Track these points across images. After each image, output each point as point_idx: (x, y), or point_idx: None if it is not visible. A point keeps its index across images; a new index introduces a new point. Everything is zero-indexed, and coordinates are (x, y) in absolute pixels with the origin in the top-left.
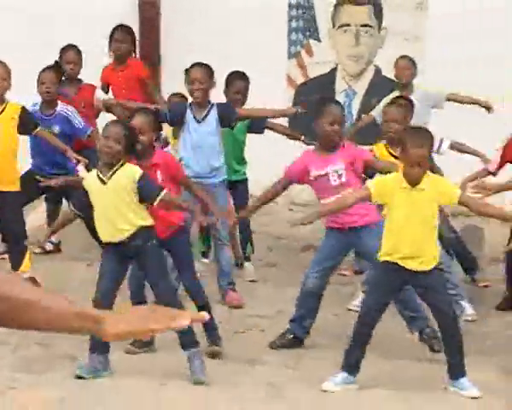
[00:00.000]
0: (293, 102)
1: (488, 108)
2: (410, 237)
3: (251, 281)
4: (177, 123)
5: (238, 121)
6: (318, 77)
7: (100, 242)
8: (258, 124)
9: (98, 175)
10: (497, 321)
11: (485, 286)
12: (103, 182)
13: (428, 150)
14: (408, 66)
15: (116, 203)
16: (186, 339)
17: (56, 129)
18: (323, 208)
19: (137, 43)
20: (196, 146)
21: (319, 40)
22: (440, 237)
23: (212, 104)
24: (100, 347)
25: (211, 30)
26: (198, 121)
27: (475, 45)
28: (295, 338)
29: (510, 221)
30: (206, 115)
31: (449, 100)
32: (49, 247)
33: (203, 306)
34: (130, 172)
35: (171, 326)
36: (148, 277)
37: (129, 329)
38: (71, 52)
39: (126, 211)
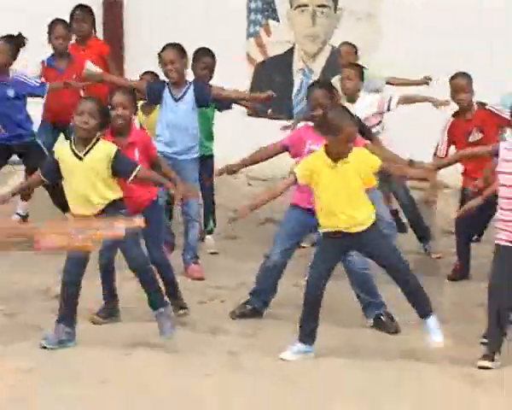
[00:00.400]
0: (252, 79)
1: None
2: (341, 211)
3: (212, 253)
4: (156, 101)
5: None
6: (277, 56)
7: (63, 210)
8: (226, 101)
9: (73, 150)
10: (450, 291)
11: (438, 258)
12: (79, 157)
13: (355, 126)
14: (350, 51)
15: (91, 179)
16: (155, 299)
17: (11, 93)
18: (256, 201)
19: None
20: (173, 124)
21: (277, 20)
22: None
23: (190, 83)
24: (67, 318)
25: (172, 11)
26: (175, 100)
27: (430, 27)
28: (254, 310)
29: (429, 180)
30: (183, 94)
31: (388, 83)
32: (16, 219)
33: (170, 279)
34: (106, 148)
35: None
36: (121, 244)
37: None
38: (60, 27)
39: (100, 186)
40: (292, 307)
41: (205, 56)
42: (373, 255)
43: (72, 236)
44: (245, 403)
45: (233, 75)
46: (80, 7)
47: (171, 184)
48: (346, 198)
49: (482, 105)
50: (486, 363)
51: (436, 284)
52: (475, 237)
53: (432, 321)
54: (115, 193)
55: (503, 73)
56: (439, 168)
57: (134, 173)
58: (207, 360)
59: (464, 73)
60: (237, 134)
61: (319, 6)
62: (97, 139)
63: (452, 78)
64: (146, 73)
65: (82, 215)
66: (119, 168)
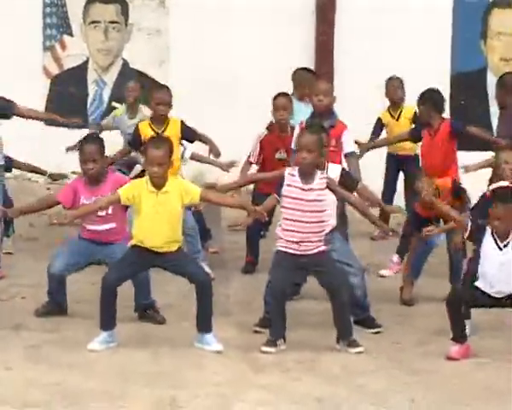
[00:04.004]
0: (49, 90)
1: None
2: (158, 232)
3: (7, 253)
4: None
5: None
6: (72, 68)
7: None
8: None
9: None
10: (237, 283)
11: (214, 252)
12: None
13: (167, 153)
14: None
15: None
16: None
17: None
18: (76, 212)
19: None
20: None
21: (72, 35)
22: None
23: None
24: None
25: None
26: None
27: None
28: (56, 306)
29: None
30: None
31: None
32: None
33: None
34: None
35: None
36: None
37: None
38: None
39: None
40: (89, 303)
41: None
42: (176, 272)
43: None
44: (43, 392)
45: (30, 88)
46: None
47: None
48: (165, 221)
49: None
50: (268, 348)
51: (225, 277)
52: (262, 232)
53: (210, 337)
54: None
55: None
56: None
57: None
58: (9, 354)
59: (285, 94)
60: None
61: (111, 22)
62: None
63: (275, 98)
64: None
65: None
66: None
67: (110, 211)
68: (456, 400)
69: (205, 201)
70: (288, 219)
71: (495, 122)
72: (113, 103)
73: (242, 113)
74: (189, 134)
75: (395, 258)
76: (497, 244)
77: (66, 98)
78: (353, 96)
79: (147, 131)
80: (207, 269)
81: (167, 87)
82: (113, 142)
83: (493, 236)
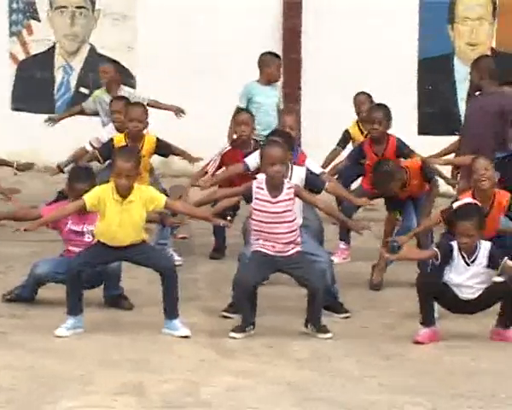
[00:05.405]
0: (15, 76)
1: (181, 112)
2: (121, 237)
3: None
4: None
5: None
6: (39, 54)
7: None
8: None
9: None
10: (206, 268)
11: (183, 238)
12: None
13: (135, 165)
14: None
15: None
16: None
17: None
18: (42, 220)
19: None
20: None
21: (39, 20)
22: None
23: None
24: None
25: None
26: None
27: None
28: (22, 299)
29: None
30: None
31: (149, 105)
32: None
33: None
34: None
35: None
36: None
37: None
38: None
39: None
40: (57, 289)
41: None
42: (141, 263)
43: None
44: (13, 377)
45: None
46: None
47: None
48: (129, 228)
49: None
50: (237, 334)
51: (191, 263)
52: (230, 217)
53: (177, 322)
54: None
55: None
56: None
57: None
58: None
59: (246, 110)
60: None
61: (78, 7)
62: None
63: (236, 113)
64: None
65: None
66: None
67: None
68: (424, 383)
69: (170, 209)
70: (257, 231)
71: (462, 106)
72: (81, 89)
73: (210, 94)
74: (164, 150)
75: (342, 244)
76: (464, 260)
77: (33, 84)
78: (322, 76)
79: None
80: (175, 255)
81: (142, 104)
82: None
83: (461, 252)
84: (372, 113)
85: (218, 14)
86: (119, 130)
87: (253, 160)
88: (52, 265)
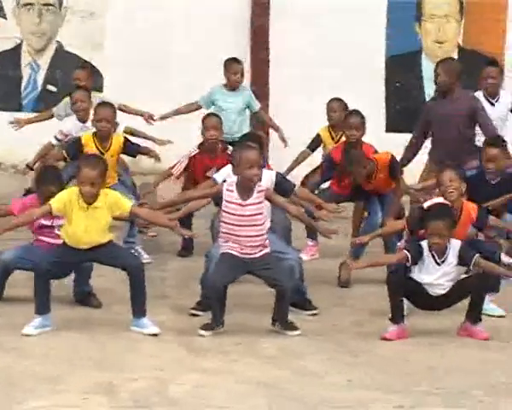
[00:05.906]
0: None
1: (151, 118)
2: (87, 241)
3: None
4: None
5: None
6: (5, 51)
7: None
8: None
9: None
10: (174, 266)
11: (153, 236)
12: None
13: (100, 173)
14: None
15: None
16: None
17: None
18: (8, 226)
19: None
20: None
21: (5, 18)
22: None
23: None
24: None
25: None
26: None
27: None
28: None
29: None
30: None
31: (118, 110)
32: None
33: None
34: None
35: None
36: None
37: None
38: None
39: None
40: (25, 288)
41: None
42: (108, 263)
43: None
44: None
45: None
46: None
47: None
48: (94, 232)
49: None
50: (205, 332)
51: (161, 260)
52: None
53: (146, 320)
54: None
55: None
56: None
57: None
58: None
59: (215, 114)
60: None
61: (44, 4)
62: None
63: (204, 118)
64: None
65: None
66: None
67: None
68: (393, 380)
69: (135, 216)
70: (226, 233)
71: None
72: (48, 86)
73: (179, 93)
74: (131, 150)
75: (309, 241)
76: (435, 260)
77: (0, 81)
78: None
79: (90, 146)
80: (143, 253)
81: (111, 104)
82: None
83: (431, 252)
84: (349, 119)
85: (189, 14)
86: (80, 120)
87: (220, 176)
88: (18, 251)
